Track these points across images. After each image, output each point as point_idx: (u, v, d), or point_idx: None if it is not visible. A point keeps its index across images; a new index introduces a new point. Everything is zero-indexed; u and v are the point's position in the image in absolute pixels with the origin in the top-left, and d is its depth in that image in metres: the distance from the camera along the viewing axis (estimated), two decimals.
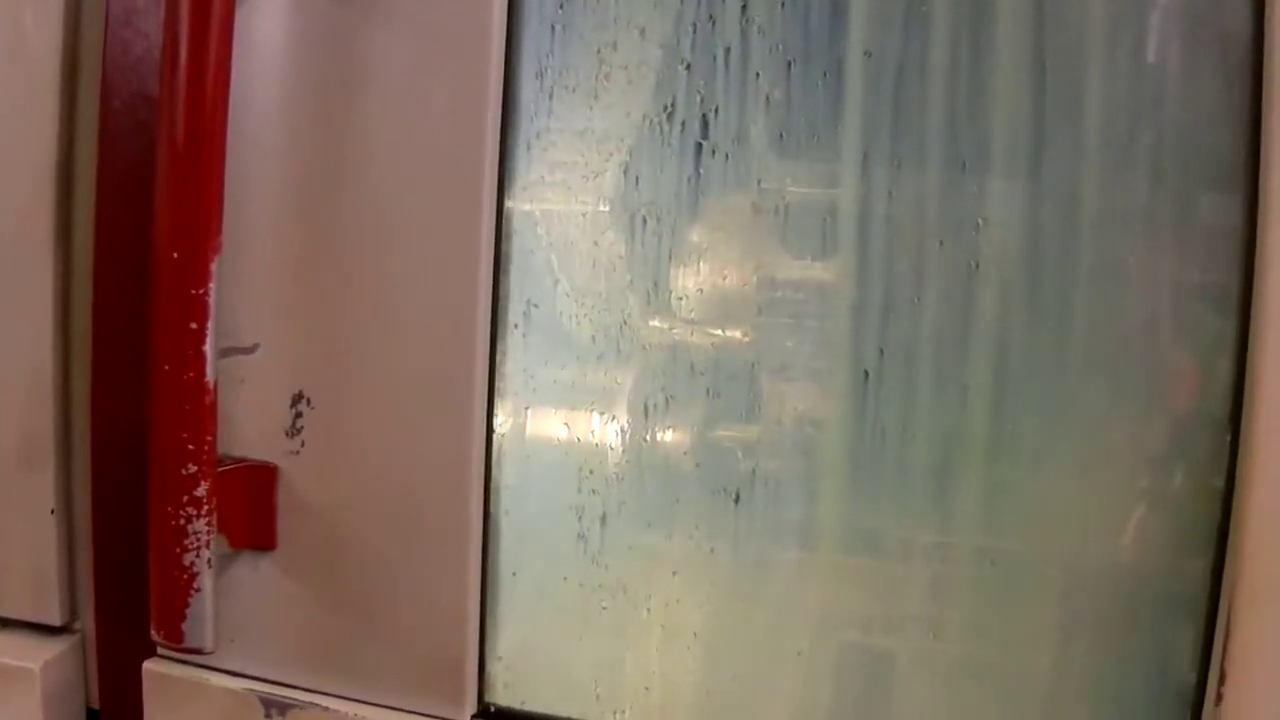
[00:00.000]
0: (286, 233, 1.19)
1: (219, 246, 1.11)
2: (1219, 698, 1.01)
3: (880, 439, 1.12)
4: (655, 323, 1.16)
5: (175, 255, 1.10)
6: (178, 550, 1.12)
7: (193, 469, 1.11)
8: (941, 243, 1.09)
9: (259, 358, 1.22)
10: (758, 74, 1.11)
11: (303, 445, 1.20)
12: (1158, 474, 1.09)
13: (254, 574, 1.24)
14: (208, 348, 1.11)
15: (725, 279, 1.15)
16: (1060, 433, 1.10)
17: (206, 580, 1.13)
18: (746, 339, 1.15)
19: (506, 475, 1.20)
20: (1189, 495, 1.08)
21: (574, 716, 1.21)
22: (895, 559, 1.16)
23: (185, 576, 1.12)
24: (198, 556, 1.12)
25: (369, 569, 1.20)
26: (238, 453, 1.22)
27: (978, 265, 1.08)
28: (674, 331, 1.16)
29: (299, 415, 1.20)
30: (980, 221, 1.08)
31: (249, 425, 1.22)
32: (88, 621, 1.36)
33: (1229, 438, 1.03)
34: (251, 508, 1.22)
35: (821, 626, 1.19)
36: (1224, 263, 1.04)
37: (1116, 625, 1.11)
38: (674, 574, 1.18)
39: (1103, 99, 1.06)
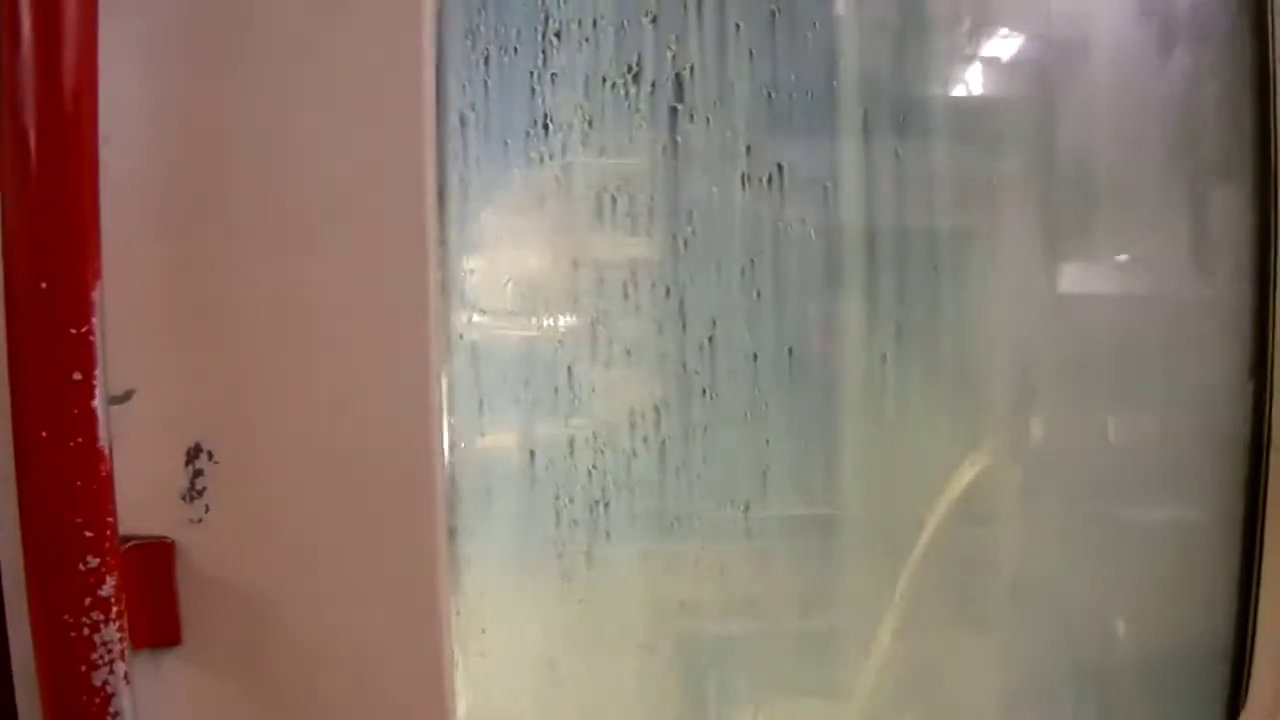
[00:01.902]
0: (164, 242, 1.07)
1: (100, 270, 1.02)
2: None
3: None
4: (638, 320, 1.17)
5: (44, 285, 0.99)
6: (83, 669, 1.01)
7: (94, 562, 1.00)
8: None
9: (137, 406, 1.11)
10: (738, 25, 1.16)
11: (206, 511, 1.09)
12: None
13: (154, 676, 1.13)
14: (98, 403, 1.01)
15: (717, 266, 1.18)
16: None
17: (125, 701, 1.02)
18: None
19: (466, 518, 1.19)
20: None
21: None
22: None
23: (98, 700, 1.01)
24: (111, 673, 1.01)
25: (309, 657, 1.12)
26: (121, 529, 1.14)
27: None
28: (659, 330, 1.19)
29: (198, 474, 1.11)
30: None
31: (132, 493, 1.10)
32: None
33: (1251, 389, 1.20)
34: (146, 596, 1.10)
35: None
36: None
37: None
38: (682, 606, 1.23)
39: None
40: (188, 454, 1.09)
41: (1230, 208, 1.24)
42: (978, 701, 1.33)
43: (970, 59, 1.14)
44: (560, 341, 1.18)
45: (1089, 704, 1.35)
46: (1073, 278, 1.27)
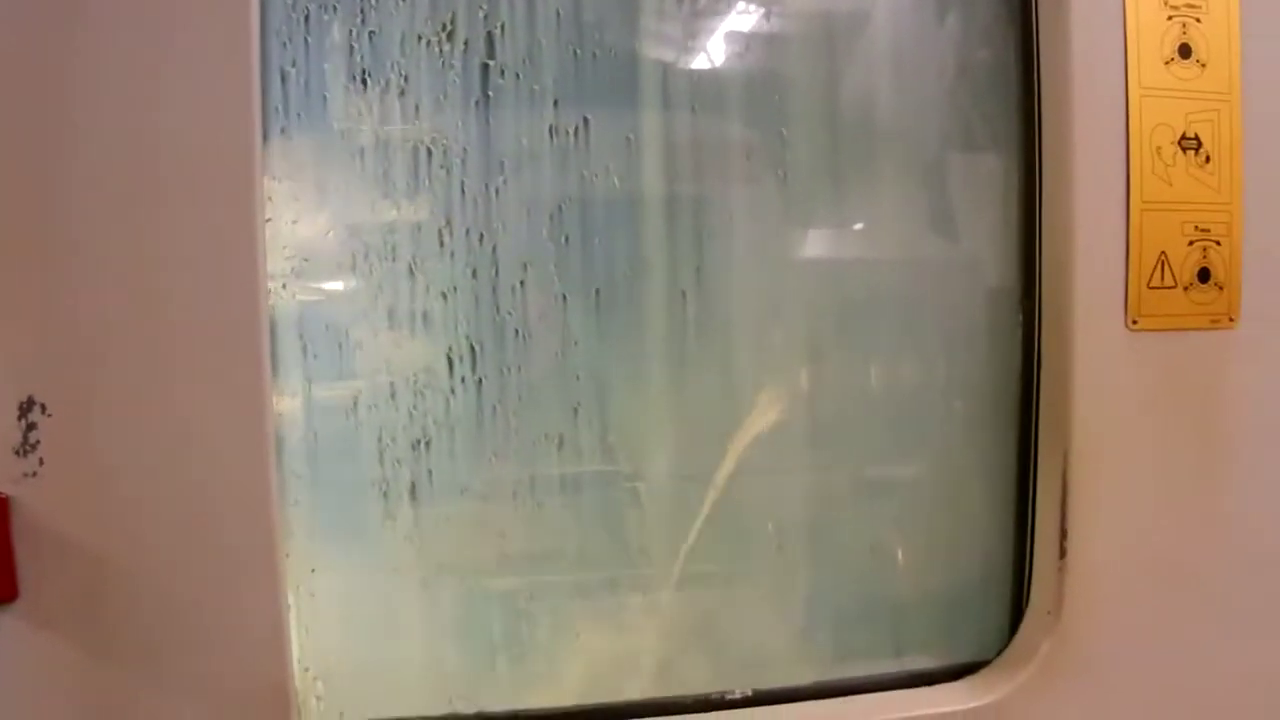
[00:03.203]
0: None
1: None
2: (1062, 552, 1.46)
3: None
4: (453, 265, 1.36)
5: None
6: None
7: None
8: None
9: None
10: None
11: (42, 464, 1.23)
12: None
13: None
14: None
15: (527, 213, 1.38)
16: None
17: None
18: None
19: (293, 462, 1.35)
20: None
21: (412, 717, 1.39)
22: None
23: None
24: None
25: (152, 603, 1.26)
26: None
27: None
28: (474, 274, 1.37)
29: (32, 428, 1.23)
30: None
31: None
32: None
33: (1020, 316, 1.49)
34: None
35: None
36: None
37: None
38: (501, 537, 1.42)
39: None
40: (20, 408, 1.21)
41: (1000, 169, 1.53)
42: (779, 634, 1.59)
43: (757, 27, 1.39)
44: (380, 288, 1.36)
45: (886, 626, 1.60)
46: (858, 238, 1.55)
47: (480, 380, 1.39)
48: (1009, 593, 1.57)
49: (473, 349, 1.38)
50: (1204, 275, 1.51)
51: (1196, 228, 1.50)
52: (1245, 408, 1.52)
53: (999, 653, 1.54)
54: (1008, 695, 1.48)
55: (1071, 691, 1.48)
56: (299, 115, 1.32)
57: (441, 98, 1.34)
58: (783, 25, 1.43)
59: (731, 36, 1.42)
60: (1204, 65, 1.50)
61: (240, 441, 1.26)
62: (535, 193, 1.38)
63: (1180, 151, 1.49)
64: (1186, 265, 1.50)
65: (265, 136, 1.27)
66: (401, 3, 1.32)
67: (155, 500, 1.25)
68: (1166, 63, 1.48)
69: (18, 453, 1.23)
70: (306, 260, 1.33)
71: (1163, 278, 1.49)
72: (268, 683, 1.29)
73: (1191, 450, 1.50)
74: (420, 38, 1.33)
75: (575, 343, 1.41)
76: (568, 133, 1.38)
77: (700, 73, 1.41)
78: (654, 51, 1.38)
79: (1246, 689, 1.55)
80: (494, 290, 1.38)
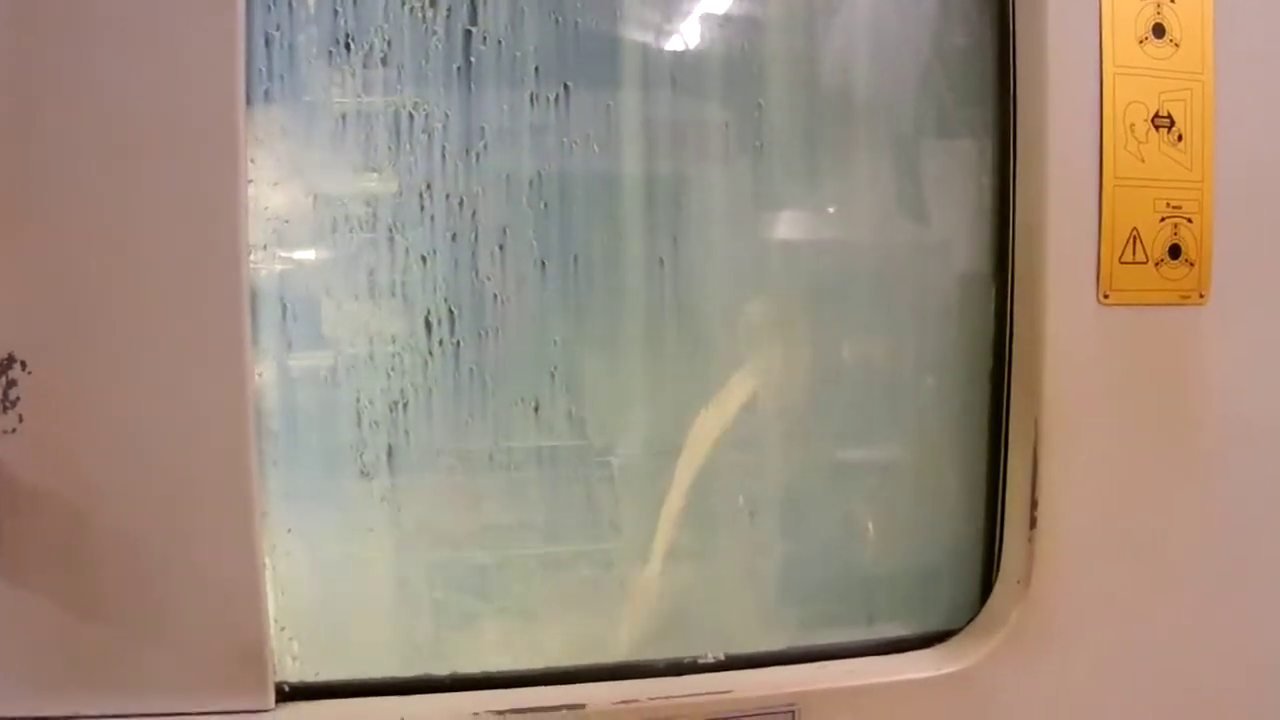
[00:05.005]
0: None
1: None
2: (1032, 522, 1.52)
3: None
4: (433, 229, 1.42)
5: None
6: None
7: None
8: None
9: None
10: None
11: (20, 421, 1.27)
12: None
13: None
14: None
15: (506, 179, 1.43)
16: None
17: None
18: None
19: (271, 422, 1.40)
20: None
21: (386, 677, 1.44)
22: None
23: None
24: None
25: (129, 560, 1.31)
26: None
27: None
28: (453, 239, 1.43)
29: (11, 384, 1.27)
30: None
31: None
32: None
33: (993, 290, 1.55)
34: None
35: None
36: None
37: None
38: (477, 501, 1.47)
39: None
40: (0, 365, 1.27)
41: (973, 145, 1.60)
42: (752, 601, 1.65)
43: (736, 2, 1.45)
44: (359, 251, 1.41)
45: (859, 594, 1.66)
46: (832, 213, 1.62)
47: (458, 343, 1.45)
48: (980, 562, 1.64)
49: (451, 313, 1.45)
50: (1175, 251, 1.57)
51: (1168, 204, 1.57)
52: (1214, 382, 1.59)
53: (970, 621, 1.61)
54: (978, 662, 1.54)
55: (1040, 659, 1.55)
56: (282, 79, 1.37)
57: (424, 63, 1.40)
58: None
59: (711, 10, 1.48)
60: (1177, 45, 1.56)
61: (219, 401, 1.31)
62: (515, 159, 1.44)
63: (1153, 129, 1.55)
64: (1158, 241, 1.56)
65: (248, 100, 1.32)
66: None
67: (134, 459, 1.30)
68: (1140, 42, 1.54)
69: None
70: (287, 223, 1.38)
71: (1134, 253, 1.56)
72: (244, 641, 1.34)
73: (1160, 423, 1.57)
74: (404, 3, 1.38)
75: (553, 308, 1.47)
76: (548, 100, 1.44)
77: (679, 46, 1.47)
78: (635, 22, 1.44)
79: (1213, 657, 1.62)
80: (473, 255, 1.44)
